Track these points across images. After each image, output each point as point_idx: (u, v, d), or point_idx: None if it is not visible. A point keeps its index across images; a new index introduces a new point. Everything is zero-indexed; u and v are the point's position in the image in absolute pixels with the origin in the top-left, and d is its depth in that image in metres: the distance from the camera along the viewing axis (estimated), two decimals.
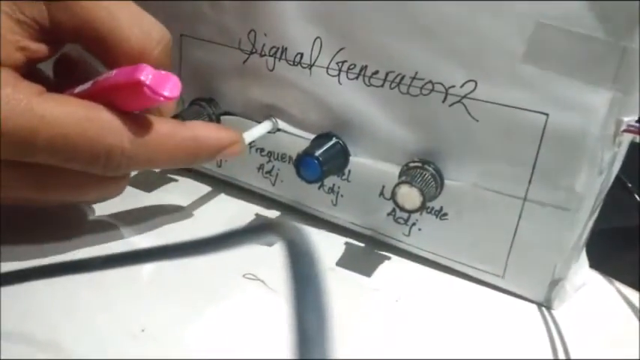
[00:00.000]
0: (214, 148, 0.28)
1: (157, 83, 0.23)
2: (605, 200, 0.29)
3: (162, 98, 0.23)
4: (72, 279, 0.20)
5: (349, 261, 0.31)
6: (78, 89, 0.25)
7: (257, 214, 0.35)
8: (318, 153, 0.29)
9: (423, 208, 0.27)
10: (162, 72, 0.23)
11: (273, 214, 0.35)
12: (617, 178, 0.30)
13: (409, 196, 0.27)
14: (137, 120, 0.25)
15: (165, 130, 0.26)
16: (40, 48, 0.26)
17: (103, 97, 0.24)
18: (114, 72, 0.24)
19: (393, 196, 0.27)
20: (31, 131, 0.22)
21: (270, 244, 0.28)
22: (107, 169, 0.25)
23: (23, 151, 0.23)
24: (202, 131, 0.28)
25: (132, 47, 0.26)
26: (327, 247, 0.32)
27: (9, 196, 0.25)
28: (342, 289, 0.29)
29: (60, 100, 0.23)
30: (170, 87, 0.23)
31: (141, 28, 0.26)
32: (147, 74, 0.23)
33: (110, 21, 0.25)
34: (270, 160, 0.34)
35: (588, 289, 0.30)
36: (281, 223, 0.13)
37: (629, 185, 0.36)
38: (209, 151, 0.28)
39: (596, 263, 0.32)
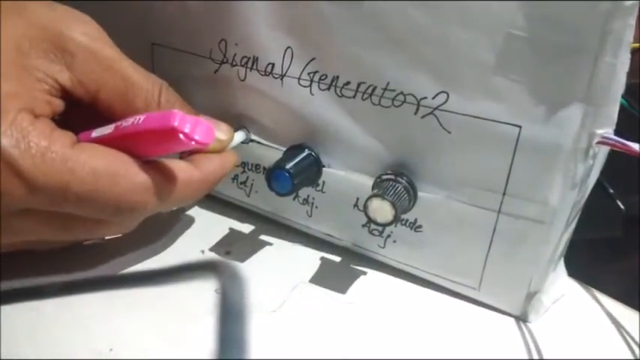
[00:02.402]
0: (218, 182, 0.29)
1: (191, 129, 0.23)
2: (590, 209, 0.28)
3: (195, 144, 0.23)
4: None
5: (324, 274, 0.31)
6: (97, 133, 0.25)
7: (227, 232, 0.34)
8: (289, 166, 0.28)
9: (395, 221, 0.27)
10: (193, 117, 0.23)
11: (247, 227, 0.34)
12: (602, 186, 0.30)
13: (381, 209, 0.26)
14: (161, 171, 0.26)
15: (183, 177, 0.26)
16: (60, 104, 0.26)
17: (127, 142, 0.25)
18: (141, 118, 0.24)
19: (366, 210, 0.27)
20: (63, 186, 0.23)
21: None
22: (127, 219, 0.26)
23: (52, 203, 0.23)
24: (210, 169, 0.28)
25: (148, 97, 0.27)
26: (302, 258, 0.32)
27: (25, 240, 0.26)
28: (316, 302, 0.28)
29: (92, 152, 0.24)
30: (202, 132, 0.23)
31: (148, 79, 0.28)
32: (181, 121, 0.23)
33: (127, 75, 0.27)
34: (244, 171, 0.34)
35: (568, 301, 0.30)
36: (219, 266, 0.14)
37: (611, 191, 0.36)
38: (214, 185, 0.29)
39: (581, 274, 0.32)
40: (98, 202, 0.24)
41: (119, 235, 0.30)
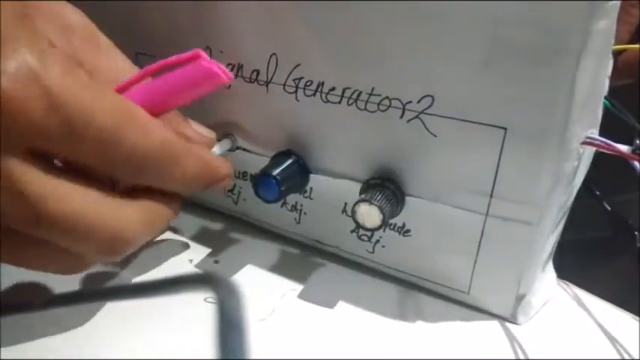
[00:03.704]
0: (216, 179, 0.27)
1: (215, 64, 0.23)
2: (577, 211, 0.28)
3: (222, 73, 0.23)
4: None
5: (313, 281, 0.31)
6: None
7: (215, 240, 0.34)
8: (275, 172, 0.28)
9: (383, 226, 0.26)
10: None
11: (235, 235, 0.34)
12: (588, 188, 0.30)
13: (369, 214, 0.26)
14: (180, 135, 0.24)
15: (196, 151, 0.25)
16: None
17: (153, 85, 0.24)
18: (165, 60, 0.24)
19: (353, 215, 0.27)
20: (87, 114, 0.20)
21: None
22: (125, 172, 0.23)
23: (68, 139, 0.20)
24: (215, 160, 0.26)
25: None
26: (291, 265, 0.32)
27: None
28: (305, 310, 0.28)
29: (117, 95, 0.22)
30: (223, 69, 0.24)
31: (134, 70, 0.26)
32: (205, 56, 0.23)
33: (121, 64, 0.26)
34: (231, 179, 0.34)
35: (558, 302, 0.30)
36: (216, 279, 0.14)
37: (598, 193, 0.36)
38: (210, 182, 0.26)
39: (570, 276, 0.32)
40: (118, 146, 0.21)
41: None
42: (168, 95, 0.24)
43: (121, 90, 0.24)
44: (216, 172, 0.26)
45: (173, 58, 0.24)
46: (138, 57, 0.33)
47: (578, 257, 0.35)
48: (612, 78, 0.26)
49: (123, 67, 0.26)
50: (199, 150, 0.25)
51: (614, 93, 0.27)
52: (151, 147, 0.22)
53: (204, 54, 0.23)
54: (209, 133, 0.28)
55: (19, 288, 0.27)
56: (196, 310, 0.26)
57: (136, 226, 0.23)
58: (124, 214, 0.22)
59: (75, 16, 0.25)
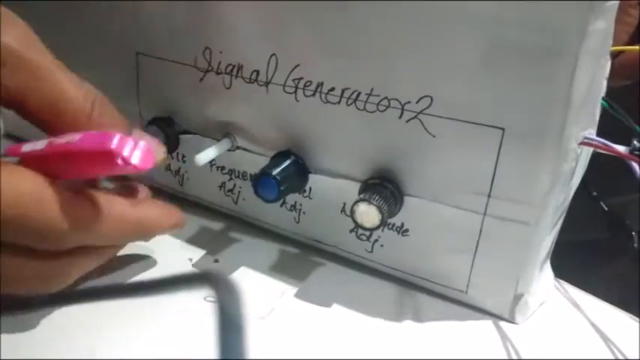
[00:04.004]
0: (154, 231, 0.28)
1: (130, 153, 0.21)
2: (577, 211, 0.29)
3: (133, 169, 0.22)
4: None
5: (312, 280, 0.31)
6: (28, 147, 0.23)
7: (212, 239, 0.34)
8: (275, 172, 0.28)
9: (382, 225, 0.27)
10: (133, 138, 0.22)
11: (234, 234, 0.34)
12: (586, 188, 0.30)
13: (368, 214, 0.27)
14: (93, 199, 0.24)
15: (118, 210, 0.25)
16: None
17: (60, 161, 0.23)
18: (77, 137, 0.22)
19: (352, 214, 0.27)
20: None
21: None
22: (49, 245, 0.23)
23: None
24: (151, 213, 0.27)
25: (79, 108, 0.25)
26: (290, 264, 0.32)
27: None
28: (304, 308, 0.28)
29: (18, 175, 0.22)
30: (142, 157, 0.22)
31: (81, 89, 0.26)
32: (120, 143, 0.21)
33: (57, 84, 0.25)
34: (231, 178, 0.34)
35: (555, 302, 0.30)
36: (216, 278, 0.14)
37: (595, 194, 0.37)
38: (149, 234, 0.28)
39: (569, 276, 0.32)
40: (22, 227, 0.22)
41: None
42: (66, 171, 0.23)
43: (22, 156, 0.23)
44: (142, 230, 0.27)
45: (84, 146, 0.22)
46: (139, 57, 0.33)
47: (575, 258, 0.35)
48: (611, 79, 0.26)
49: (67, 89, 0.25)
50: (117, 208, 0.25)
51: (613, 94, 0.27)
52: (62, 226, 0.22)
53: (118, 144, 0.21)
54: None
55: None
56: (196, 309, 0.26)
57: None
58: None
59: (5, 45, 0.24)
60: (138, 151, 0.22)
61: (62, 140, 0.22)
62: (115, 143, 0.21)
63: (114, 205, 0.25)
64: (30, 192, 0.22)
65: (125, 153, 0.21)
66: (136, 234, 0.27)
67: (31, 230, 0.22)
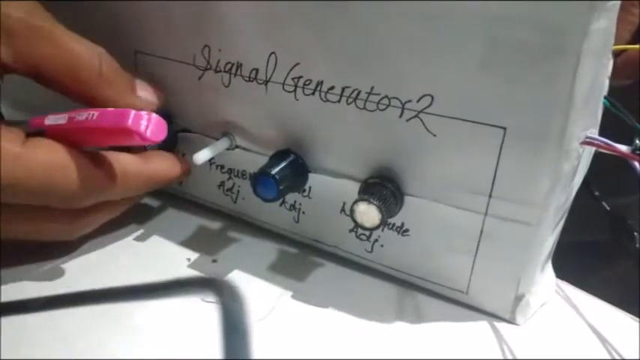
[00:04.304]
0: (165, 182, 0.31)
1: (145, 128, 0.24)
2: (578, 212, 0.28)
3: (148, 141, 0.24)
4: None
5: (311, 280, 0.31)
6: (50, 121, 0.26)
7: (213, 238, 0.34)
8: (274, 171, 0.28)
9: (382, 225, 0.26)
10: (147, 114, 0.24)
11: (233, 234, 0.34)
12: (587, 188, 0.30)
13: (367, 213, 0.26)
14: (110, 163, 0.27)
15: (133, 169, 0.29)
16: None
17: (80, 134, 0.25)
18: (95, 114, 0.25)
19: (352, 214, 0.27)
20: (13, 182, 0.24)
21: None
22: (73, 206, 0.27)
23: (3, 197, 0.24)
24: (161, 166, 0.30)
25: (90, 67, 0.27)
26: (289, 264, 0.32)
27: None
28: (303, 309, 0.28)
29: (43, 148, 0.25)
30: (155, 130, 0.24)
31: (88, 48, 0.28)
32: (135, 120, 0.24)
33: (68, 46, 0.27)
34: (230, 178, 0.33)
35: (557, 303, 0.30)
36: (220, 284, 0.14)
37: (597, 194, 0.36)
38: (162, 183, 0.31)
39: (569, 276, 0.32)
40: (45, 192, 0.25)
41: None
42: (85, 140, 0.26)
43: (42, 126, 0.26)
44: (161, 176, 0.30)
45: (103, 124, 0.25)
46: (137, 55, 0.33)
47: (577, 258, 0.35)
48: (613, 78, 0.26)
49: (78, 51, 0.27)
50: (132, 168, 0.29)
51: (615, 93, 0.27)
52: (85, 189, 0.26)
53: (134, 121, 0.24)
54: (153, 98, 0.31)
55: (19, 288, 0.27)
56: (194, 311, 0.26)
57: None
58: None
59: (13, 16, 0.25)
60: (152, 125, 0.24)
61: (82, 117, 0.25)
62: (130, 120, 0.24)
63: (129, 165, 0.28)
64: (56, 161, 0.25)
65: (141, 129, 0.24)
66: (148, 186, 0.30)
67: (58, 194, 0.25)
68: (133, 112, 0.24)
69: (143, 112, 0.24)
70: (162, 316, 0.26)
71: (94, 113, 0.25)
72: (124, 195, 0.29)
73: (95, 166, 0.26)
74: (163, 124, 0.25)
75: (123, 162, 0.28)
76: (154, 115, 0.25)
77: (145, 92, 0.30)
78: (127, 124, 0.24)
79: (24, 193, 0.24)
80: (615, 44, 0.25)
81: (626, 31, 0.30)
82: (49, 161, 0.25)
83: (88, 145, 0.26)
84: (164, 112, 0.33)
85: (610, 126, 0.27)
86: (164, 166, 0.31)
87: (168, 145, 0.33)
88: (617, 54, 0.31)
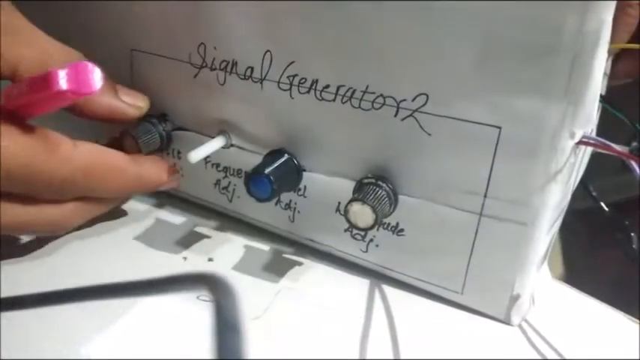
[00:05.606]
0: (153, 187, 0.31)
1: (72, 83, 0.22)
2: (575, 212, 0.28)
3: (83, 95, 0.22)
4: None
5: (306, 279, 0.30)
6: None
7: (208, 231, 0.34)
8: (268, 171, 0.28)
9: (376, 225, 0.26)
10: (73, 66, 0.22)
11: (229, 233, 0.34)
12: (585, 188, 0.30)
13: (361, 213, 0.26)
14: (95, 152, 0.27)
15: (116, 167, 0.28)
16: None
17: (25, 108, 0.24)
18: (23, 85, 0.23)
19: (346, 214, 0.27)
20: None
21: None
22: (52, 195, 0.26)
23: None
24: (149, 170, 0.30)
25: None
26: (285, 263, 0.31)
27: None
28: (299, 308, 0.28)
29: (20, 131, 0.24)
30: (84, 80, 0.22)
31: (63, 51, 0.28)
32: (63, 79, 0.21)
33: (45, 50, 0.27)
34: (226, 176, 0.33)
35: (552, 303, 0.30)
36: (214, 281, 0.14)
37: (594, 194, 0.36)
38: (147, 189, 0.31)
39: (566, 276, 0.32)
40: (30, 178, 0.24)
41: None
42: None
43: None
44: (147, 179, 0.30)
45: (34, 95, 0.23)
46: (133, 53, 0.33)
47: (574, 258, 0.34)
48: (611, 78, 0.26)
49: (49, 51, 0.27)
50: (118, 164, 0.28)
51: (612, 92, 0.27)
52: (70, 175, 0.25)
53: (61, 81, 0.21)
54: (139, 101, 0.31)
55: (14, 283, 0.27)
56: (189, 308, 0.26)
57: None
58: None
59: None
60: (80, 76, 0.22)
61: (15, 92, 0.23)
62: (58, 82, 0.21)
63: (115, 160, 0.28)
64: (36, 146, 0.24)
65: (71, 86, 0.21)
66: (135, 188, 0.30)
67: (38, 181, 0.24)
68: (57, 73, 0.21)
69: (68, 68, 0.22)
70: (157, 314, 0.26)
71: (22, 85, 0.23)
72: (108, 193, 0.28)
73: (82, 151, 0.26)
74: (92, 72, 0.22)
75: (111, 157, 0.28)
76: (80, 64, 0.22)
77: (128, 97, 0.30)
78: (55, 88, 0.21)
79: (5, 180, 0.23)
80: (614, 44, 0.25)
81: (625, 33, 0.29)
82: (28, 146, 0.24)
83: (41, 112, 0.24)
84: (162, 114, 0.33)
85: (607, 125, 0.26)
86: (152, 170, 0.30)
87: (164, 143, 0.33)
88: (614, 53, 0.31)
